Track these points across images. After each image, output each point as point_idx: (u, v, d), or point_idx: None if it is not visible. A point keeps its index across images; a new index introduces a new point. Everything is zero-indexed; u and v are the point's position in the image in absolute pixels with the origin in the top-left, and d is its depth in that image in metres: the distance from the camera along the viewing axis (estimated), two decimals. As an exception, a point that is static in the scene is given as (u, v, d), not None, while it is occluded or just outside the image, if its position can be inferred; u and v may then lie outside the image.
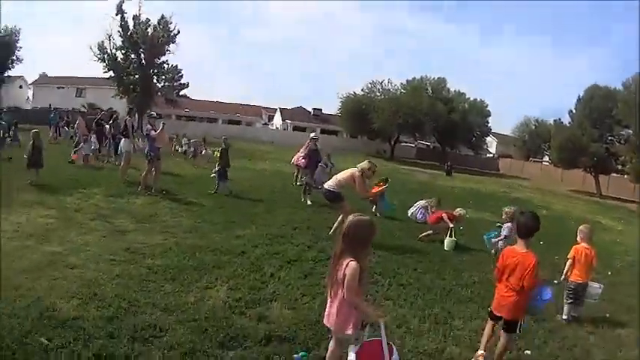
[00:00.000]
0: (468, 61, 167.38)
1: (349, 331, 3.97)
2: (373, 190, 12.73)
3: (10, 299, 5.36)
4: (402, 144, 62.54)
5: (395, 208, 13.67)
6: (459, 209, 11.08)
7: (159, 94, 50.96)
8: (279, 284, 6.74)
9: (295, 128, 68.51)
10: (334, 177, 10.12)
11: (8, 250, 7.13)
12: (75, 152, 18.59)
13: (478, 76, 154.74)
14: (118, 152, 17.26)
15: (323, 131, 62.67)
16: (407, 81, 57.07)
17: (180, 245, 8.27)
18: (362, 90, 57.85)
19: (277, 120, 77.99)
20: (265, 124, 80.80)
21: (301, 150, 16.30)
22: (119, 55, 44.40)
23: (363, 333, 3.94)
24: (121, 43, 43.87)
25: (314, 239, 9.54)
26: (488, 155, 69.01)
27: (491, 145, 72.66)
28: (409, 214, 12.61)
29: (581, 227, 7.27)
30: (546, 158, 53.54)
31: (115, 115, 22.16)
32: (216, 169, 14.72)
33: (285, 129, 70.56)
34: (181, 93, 59.47)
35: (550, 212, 19.60)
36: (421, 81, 56.65)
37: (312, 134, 16.99)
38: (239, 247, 8.49)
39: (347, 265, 3.83)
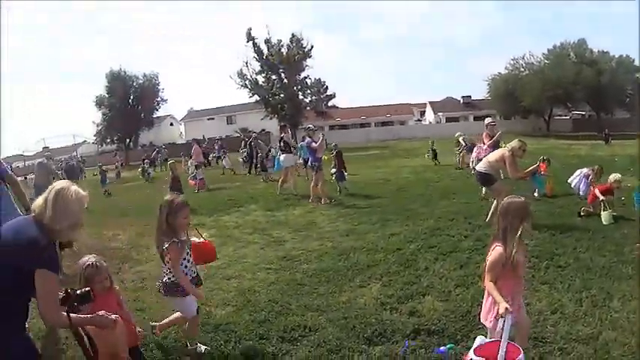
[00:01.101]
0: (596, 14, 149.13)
1: (488, 323, 3.74)
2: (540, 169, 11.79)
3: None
4: (557, 117, 58.61)
5: (543, 186, 12.41)
6: (612, 177, 9.98)
7: (307, 108, 52.74)
8: (432, 277, 6.45)
9: (448, 120, 67.41)
10: (485, 158, 9.56)
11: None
12: (191, 178, 19.52)
13: (614, 29, 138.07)
14: (275, 168, 17.86)
15: (475, 118, 60.70)
16: (548, 50, 53.47)
17: (337, 248, 8.29)
18: (505, 69, 55.34)
19: (429, 114, 76.77)
20: (418, 120, 79.68)
21: (485, 141, 13.36)
22: (260, 79, 46.83)
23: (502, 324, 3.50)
24: (259, 68, 46.12)
25: (471, 229, 9.06)
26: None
27: (648, 102, 64.94)
28: (572, 185, 11.35)
29: None
30: None
31: (252, 136, 23.35)
32: (333, 171, 15.22)
33: (438, 122, 69.35)
34: (330, 104, 60.81)
35: None
36: (562, 48, 52.48)
37: (488, 119, 14.07)
38: (394, 244, 8.30)
39: (492, 250, 3.65)
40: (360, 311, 5.35)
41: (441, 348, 4.36)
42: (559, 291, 5.78)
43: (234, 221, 11.51)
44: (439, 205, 11.83)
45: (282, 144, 15.50)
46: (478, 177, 9.53)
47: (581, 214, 9.68)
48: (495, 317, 3.60)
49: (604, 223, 9.01)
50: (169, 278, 4.32)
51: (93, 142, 63.41)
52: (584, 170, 11.18)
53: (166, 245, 4.15)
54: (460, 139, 21.88)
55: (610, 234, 8.25)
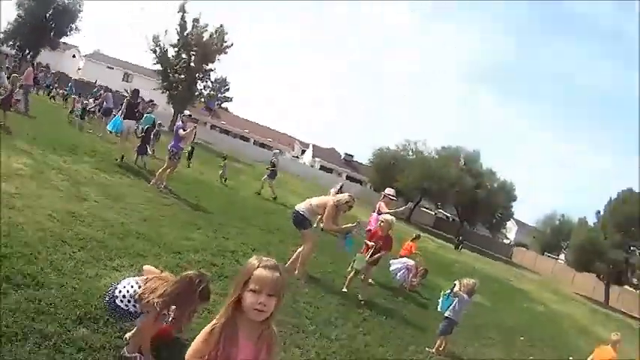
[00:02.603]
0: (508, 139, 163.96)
1: None
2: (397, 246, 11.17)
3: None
4: (422, 209, 61.14)
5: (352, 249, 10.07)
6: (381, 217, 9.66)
7: (201, 100, 51.58)
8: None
9: (322, 168, 68.09)
10: (308, 200, 8.90)
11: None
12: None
13: (517, 158, 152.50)
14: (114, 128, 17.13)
15: (348, 177, 62.76)
16: (442, 147, 55.61)
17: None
18: (396, 146, 57.06)
19: (308, 156, 77.39)
20: (296, 157, 78.95)
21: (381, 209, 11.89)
22: (171, 51, 45.55)
23: None
24: (176, 41, 45.04)
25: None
26: (505, 241, 66.86)
27: (511, 230, 70.48)
28: (390, 269, 10.77)
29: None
30: (562, 257, 51.92)
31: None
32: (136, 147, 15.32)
33: (312, 166, 69.20)
34: (224, 105, 60.02)
35: (546, 310, 18.54)
36: (456, 150, 54.87)
37: (391, 191, 12.65)
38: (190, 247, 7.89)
39: None
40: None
41: None
42: None
43: (58, 164, 10.78)
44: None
45: (138, 109, 15.53)
46: (294, 216, 8.78)
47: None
48: None
49: (355, 267, 8.80)
50: None
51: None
52: (411, 262, 10.93)
53: None
54: (273, 159, 20.12)
55: (400, 328, 8.09)
